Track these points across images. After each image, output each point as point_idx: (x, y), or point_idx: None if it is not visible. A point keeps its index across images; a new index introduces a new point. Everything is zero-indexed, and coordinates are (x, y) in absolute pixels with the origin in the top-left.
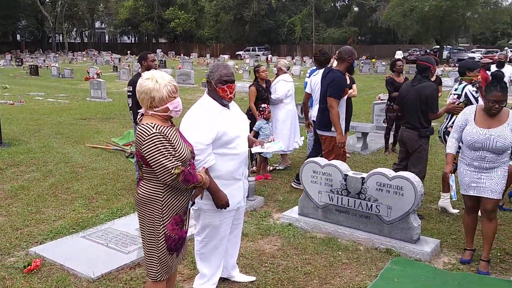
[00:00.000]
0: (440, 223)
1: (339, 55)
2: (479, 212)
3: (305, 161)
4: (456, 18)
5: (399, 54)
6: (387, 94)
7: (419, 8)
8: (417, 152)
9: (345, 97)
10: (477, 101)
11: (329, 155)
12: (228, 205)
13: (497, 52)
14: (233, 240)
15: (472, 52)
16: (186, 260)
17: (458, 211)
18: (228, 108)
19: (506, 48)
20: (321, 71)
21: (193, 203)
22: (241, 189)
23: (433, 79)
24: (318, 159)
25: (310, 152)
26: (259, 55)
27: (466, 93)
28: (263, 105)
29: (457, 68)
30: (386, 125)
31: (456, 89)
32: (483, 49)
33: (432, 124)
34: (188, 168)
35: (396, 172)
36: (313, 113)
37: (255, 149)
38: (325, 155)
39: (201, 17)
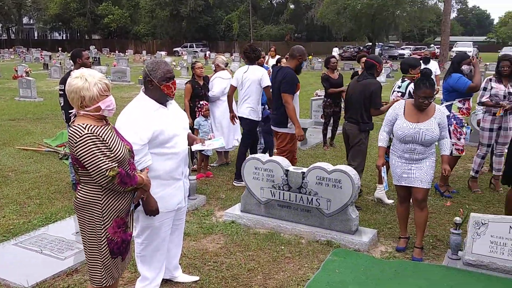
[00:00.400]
0: (377, 213)
1: (290, 53)
2: (411, 201)
3: (247, 158)
4: (387, 16)
5: (335, 51)
6: (324, 91)
7: (351, 6)
8: (357, 146)
9: (298, 93)
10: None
11: (284, 151)
12: (157, 212)
13: (424, 48)
14: (175, 240)
15: (402, 49)
16: None
17: (392, 201)
18: (166, 106)
19: (432, 45)
20: (253, 67)
21: (137, 205)
22: (181, 189)
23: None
24: (259, 155)
25: (239, 147)
26: (197, 51)
27: (409, 91)
28: (201, 102)
29: (394, 66)
30: (323, 121)
31: (399, 87)
32: (411, 46)
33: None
34: (127, 169)
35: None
36: (241, 109)
37: (195, 147)
38: (279, 151)
39: (136, 13)
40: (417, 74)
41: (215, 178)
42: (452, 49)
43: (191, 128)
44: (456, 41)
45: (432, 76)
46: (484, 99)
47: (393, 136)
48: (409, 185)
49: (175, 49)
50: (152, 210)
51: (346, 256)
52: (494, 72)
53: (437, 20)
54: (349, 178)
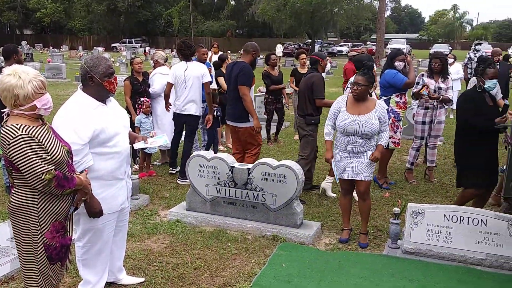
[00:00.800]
0: (320, 206)
1: (244, 48)
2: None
3: (191, 156)
4: (325, 14)
5: (279, 48)
6: (265, 87)
7: (291, 3)
8: (304, 137)
9: (253, 87)
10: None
11: (251, 145)
12: (101, 214)
13: (361, 45)
14: (118, 242)
15: (340, 46)
16: None
17: (335, 195)
18: (105, 104)
19: (369, 42)
20: (192, 63)
21: (76, 208)
22: (124, 189)
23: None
24: (204, 152)
25: (184, 144)
26: (136, 47)
27: None
28: (141, 99)
29: (333, 62)
30: (266, 117)
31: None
32: (349, 43)
33: None
34: (65, 171)
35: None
36: (186, 106)
37: (138, 145)
38: (246, 145)
39: (71, 7)
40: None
41: (158, 177)
42: (387, 46)
43: (132, 125)
44: (391, 39)
45: None
46: (415, 90)
47: (336, 130)
48: (352, 178)
49: (113, 45)
50: (96, 212)
51: (291, 249)
52: (426, 68)
53: (372, 18)
54: (294, 173)
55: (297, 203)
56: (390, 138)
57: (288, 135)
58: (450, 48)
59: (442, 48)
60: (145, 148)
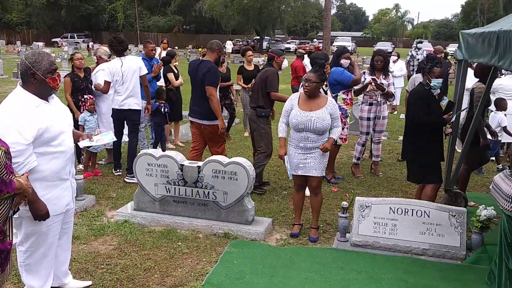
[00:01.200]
0: (271, 202)
1: (209, 46)
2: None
3: (139, 154)
4: (272, 11)
5: (229, 44)
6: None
7: None
8: (257, 131)
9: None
10: (326, 92)
11: (217, 142)
12: (48, 216)
13: (308, 43)
14: (63, 245)
15: (288, 43)
16: None
17: (286, 192)
18: (48, 101)
19: (316, 39)
20: (127, 58)
21: (15, 211)
22: (68, 190)
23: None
24: (152, 150)
25: (130, 140)
26: (78, 42)
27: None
28: (85, 96)
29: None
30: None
31: None
32: (296, 40)
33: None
34: (3, 173)
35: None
36: (127, 101)
37: (83, 143)
38: (212, 143)
39: None
40: (326, 68)
41: (104, 177)
42: (333, 44)
43: (76, 124)
44: (337, 36)
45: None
46: (357, 88)
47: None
48: (305, 174)
49: (54, 40)
50: (42, 214)
51: (243, 246)
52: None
53: (319, 15)
54: (245, 169)
55: (248, 200)
56: None
57: (238, 132)
58: (393, 46)
59: (385, 46)
60: (90, 147)
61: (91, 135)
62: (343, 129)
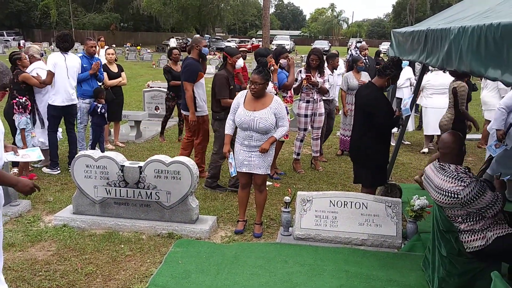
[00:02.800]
0: (215, 200)
1: (190, 44)
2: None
3: (77, 155)
4: (212, 9)
5: (173, 42)
6: (167, 83)
7: None
8: (215, 133)
9: (201, 80)
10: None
11: (198, 133)
12: (35, 188)
13: (248, 41)
14: None
15: (228, 41)
16: None
17: (230, 189)
18: None
19: (254, 38)
20: (70, 55)
21: None
22: None
23: None
24: (90, 152)
25: (51, 142)
26: (9, 40)
27: None
28: (23, 98)
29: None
30: (166, 114)
31: None
32: (237, 39)
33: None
34: None
35: None
36: (73, 96)
37: (7, 156)
38: (192, 133)
39: None
40: (270, 62)
41: (40, 180)
42: (272, 42)
43: (13, 127)
44: (276, 35)
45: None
46: (295, 86)
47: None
48: (250, 171)
49: None
50: (29, 189)
51: (188, 246)
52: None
53: (258, 14)
54: (188, 168)
55: (192, 199)
56: None
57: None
58: (330, 44)
59: (322, 44)
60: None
61: (16, 148)
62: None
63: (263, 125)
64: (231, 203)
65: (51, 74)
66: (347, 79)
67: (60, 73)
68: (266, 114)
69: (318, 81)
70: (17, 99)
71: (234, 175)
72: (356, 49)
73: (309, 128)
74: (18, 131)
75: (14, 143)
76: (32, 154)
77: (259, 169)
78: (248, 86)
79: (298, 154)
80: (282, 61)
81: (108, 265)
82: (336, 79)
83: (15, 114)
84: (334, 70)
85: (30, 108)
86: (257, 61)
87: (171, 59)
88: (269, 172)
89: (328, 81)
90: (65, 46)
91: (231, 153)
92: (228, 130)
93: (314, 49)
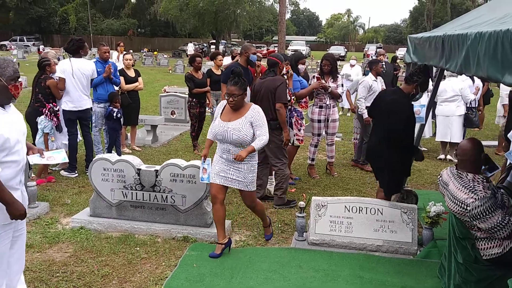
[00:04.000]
0: (230, 205)
1: (240, 51)
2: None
3: (94, 159)
4: (228, 15)
5: (191, 47)
6: (189, 90)
7: (193, 3)
8: (273, 144)
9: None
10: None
11: None
12: (25, 215)
13: (264, 47)
14: (15, 254)
15: None
16: None
17: None
18: (5, 109)
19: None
20: (82, 60)
21: None
22: (19, 198)
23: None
24: (108, 155)
25: (71, 145)
26: (28, 45)
27: None
28: (57, 107)
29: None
30: (191, 122)
31: None
32: (253, 44)
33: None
34: None
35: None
36: (88, 100)
37: (33, 159)
38: None
39: None
40: (287, 68)
41: (58, 183)
42: (288, 48)
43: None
44: (291, 40)
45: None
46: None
47: None
48: (224, 184)
49: (2, 43)
50: (19, 214)
51: (202, 249)
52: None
53: (274, 20)
54: None
55: (207, 203)
56: (294, 135)
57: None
58: (346, 50)
59: (338, 50)
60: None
61: (42, 150)
62: (299, 130)
63: (236, 136)
64: (245, 207)
65: (62, 80)
66: (369, 83)
67: (69, 78)
68: (239, 124)
69: (329, 85)
70: (50, 105)
71: (204, 181)
72: (377, 54)
73: (323, 133)
74: (40, 134)
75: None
76: (58, 157)
77: (239, 184)
78: (226, 99)
79: (312, 160)
80: (300, 66)
81: (124, 267)
82: (379, 85)
83: (42, 117)
84: (378, 76)
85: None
86: (232, 71)
87: (193, 67)
88: (254, 189)
89: (342, 86)
90: (71, 49)
91: (208, 159)
92: (210, 135)
93: (326, 54)
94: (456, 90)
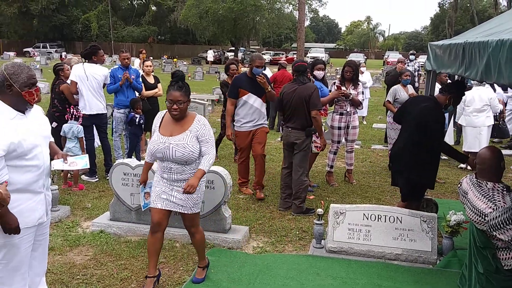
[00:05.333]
0: (247, 211)
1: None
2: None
3: (115, 164)
4: (247, 22)
5: (210, 54)
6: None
7: (213, 10)
8: (303, 151)
9: (244, 97)
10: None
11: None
12: (19, 230)
13: (283, 54)
14: (38, 257)
15: (263, 53)
16: None
17: (263, 200)
18: (24, 114)
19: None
20: (96, 65)
21: None
22: (42, 203)
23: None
24: (128, 160)
25: (89, 150)
26: (51, 52)
27: None
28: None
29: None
30: (221, 132)
31: None
32: (271, 52)
33: None
34: None
35: (285, 175)
36: (103, 105)
37: (56, 165)
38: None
39: None
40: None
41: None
42: (307, 55)
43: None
44: (310, 48)
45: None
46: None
47: None
48: (166, 208)
49: (25, 50)
50: (11, 228)
51: (220, 255)
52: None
53: (293, 27)
54: (221, 178)
55: (225, 208)
56: (313, 142)
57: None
58: (365, 57)
59: (357, 57)
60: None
61: (66, 156)
62: (318, 137)
63: (180, 153)
64: (263, 214)
65: (73, 84)
66: (396, 92)
67: (83, 82)
68: (184, 139)
69: (350, 93)
70: (72, 110)
71: (145, 208)
72: (409, 61)
73: (343, 140)
74: (74, 141)
75: None
76: (80, 162)
77: (182, 207)
78: (167, 107)
79: (331, 167)
80: (316, 72)
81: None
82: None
83: (68, 125)
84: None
85: (78, 114)
86: (172, 74)
87: (228, 75)
88: (198, 211)
89: (363, 94)
90: (84, 54)
91: (150, 181)
92: (148, 156)
93: (349, 61)
94: (485, 100)
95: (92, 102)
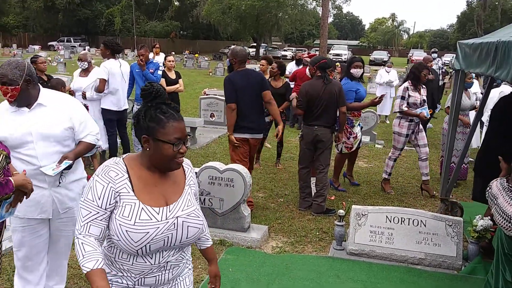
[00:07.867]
0: (267, 210)
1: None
2: None
3: None
4: (270, 18)
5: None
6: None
7: (236, 6)
8: (327, 149)
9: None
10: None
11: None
12: (31, 190)
13: (305, 50)
14: (60, 249)
15: (285, 50)
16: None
17: (282, 199)
18: (27, 108)
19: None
20: (122, 61)
21: (11, 212)
22: (46, 199)
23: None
24: None
25: (112, 144)
26: (75, 46)
27: None
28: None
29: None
30: None
31: None
32: (293, 48)
33: None
34: (1, 177)
35: (304, 174)
36: (125, 101)
37: (45, 169)
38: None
39: (4, 2)
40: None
41: None
42: (330, 52)
43: None
44: (333, 44)
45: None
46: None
47: None
48: None
49: (50, 43)
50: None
51: (239, 254)
52: (368, 74)
53: (316, 23)
54: (241, 176)
55: (244, 207)
56: (343, 143)
57: None
58: (389, 55)
59: (381, 55)
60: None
61: (65, 158)
62: (348, 138)
63: (196, 228)
64: (282, 213)
65: (102, 82)
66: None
67: (117, 78)
68: (192, 203)
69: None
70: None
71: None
72: (432, 59)
73: (405, 147)
74: None
75: None
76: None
77: None
78: (168, 154)
79: (389, 174)
80: (353, 70)
81: None
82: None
83: None
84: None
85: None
86: (143, 89)
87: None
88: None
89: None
90: (117, 49)
91: None
92: (92, 258)
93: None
94: None
95: (124, 98)
